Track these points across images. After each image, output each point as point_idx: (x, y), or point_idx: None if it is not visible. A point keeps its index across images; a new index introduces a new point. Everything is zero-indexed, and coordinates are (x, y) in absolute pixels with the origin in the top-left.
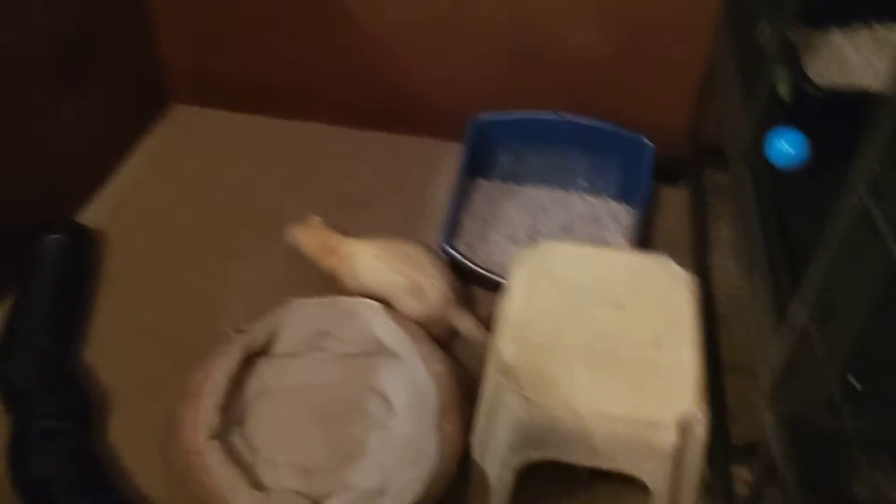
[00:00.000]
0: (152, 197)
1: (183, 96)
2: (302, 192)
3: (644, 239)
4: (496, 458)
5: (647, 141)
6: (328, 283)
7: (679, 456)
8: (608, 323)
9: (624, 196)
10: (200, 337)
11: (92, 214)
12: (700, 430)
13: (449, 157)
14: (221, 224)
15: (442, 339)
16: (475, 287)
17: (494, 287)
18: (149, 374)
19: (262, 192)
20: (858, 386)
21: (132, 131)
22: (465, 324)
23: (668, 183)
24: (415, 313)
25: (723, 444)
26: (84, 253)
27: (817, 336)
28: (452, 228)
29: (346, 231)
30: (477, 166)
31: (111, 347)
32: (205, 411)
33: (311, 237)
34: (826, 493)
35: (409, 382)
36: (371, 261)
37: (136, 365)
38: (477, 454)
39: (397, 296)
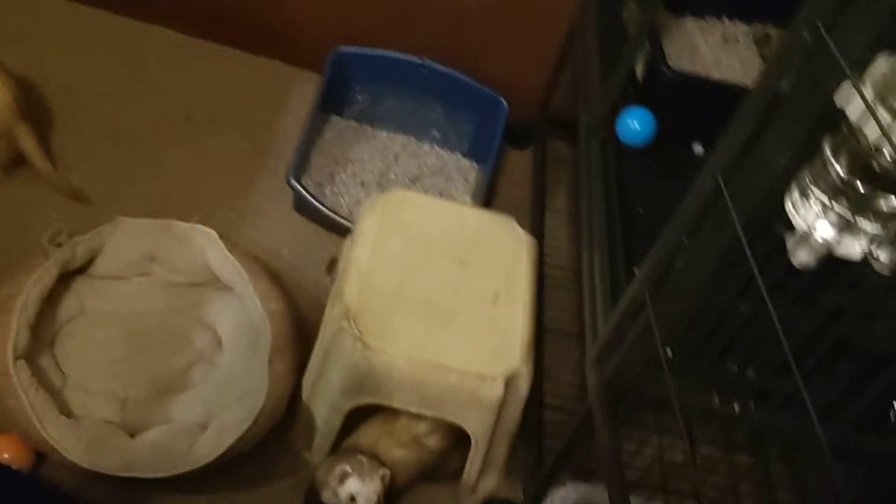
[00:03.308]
0: None
1: None
2: (136, 101)
3: (488, 199)
4: (326, 401)
5: (502, 101)
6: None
7: (502, 408)
8: (451, 277)
9: (474, 154)
10: (8, 245)
11: None
12: (523, 386)
13: (303, 87)
14: (47, 121)
15: (3, 159)
16: (318, 227)
17: (337, 228)
18: None
19: (90, 92)
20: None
21: None
22: (28, 145)
23: (515, 147)
24: None
25: (537, 399)
26: None
27: (650, 306)
28: (301, 164)
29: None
30: (332, 101)
31: None
32: (13, 329)
33: None
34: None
35: (242, 318)
36: None
37: None
38: (306, 395)
39: None
